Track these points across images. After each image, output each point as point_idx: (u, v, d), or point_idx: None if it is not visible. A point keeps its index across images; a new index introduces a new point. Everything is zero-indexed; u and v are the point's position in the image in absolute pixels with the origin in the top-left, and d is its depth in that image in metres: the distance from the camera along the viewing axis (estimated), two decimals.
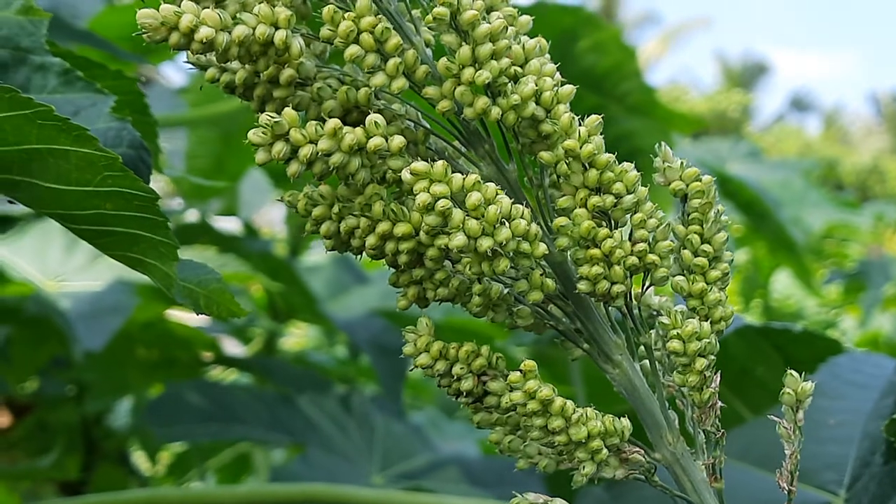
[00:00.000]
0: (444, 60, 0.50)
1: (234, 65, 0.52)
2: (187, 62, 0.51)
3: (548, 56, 0.53)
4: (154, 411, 1.53)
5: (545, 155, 0.51)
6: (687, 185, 0.53)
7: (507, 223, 0.48)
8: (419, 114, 0.53)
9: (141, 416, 1.84)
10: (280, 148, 0.49)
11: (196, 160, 1.91)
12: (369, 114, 0.52)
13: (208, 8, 0.48)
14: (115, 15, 1.80)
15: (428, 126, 0.53)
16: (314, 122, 0.49)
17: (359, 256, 0.52)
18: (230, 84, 0.52)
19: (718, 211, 0.53)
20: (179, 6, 0.48)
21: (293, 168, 0.49)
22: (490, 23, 0.50)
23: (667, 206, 1.63)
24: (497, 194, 0.48)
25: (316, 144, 0.49)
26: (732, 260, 0.53)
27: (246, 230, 2.06)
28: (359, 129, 0.49)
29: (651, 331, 0.53)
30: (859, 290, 3.87)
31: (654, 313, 0.54)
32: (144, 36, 0.48)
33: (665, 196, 0.55)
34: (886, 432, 0.69)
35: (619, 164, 0.51)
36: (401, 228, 0.50)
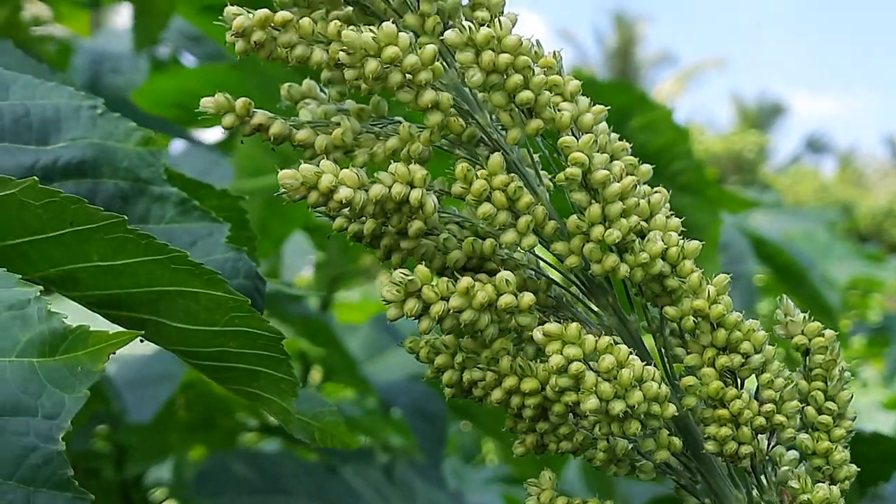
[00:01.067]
0: (574, 218, 0.51)
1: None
2: (317, 213, 0.52)
3: (668, 206, 0.53)
4: (201, 483, 1.53)
5: (670, 310, 0.52)
6: (810, 341, 0.53)
7: (639, 386, 0.48)
8: (539, 261, 0.54)
9: (182, 483, 1.85)
10: (412, 305, 0.49)
11: None
12: (489, 260, 0.52)
13: (348, 170, 0.49)
14: (163, 81, 1.82)
15: (550, 276, 0.53)
16: (446, 280, 0.50)
17: (480, 402, 0.53)
18: (358, 234, 0.53)
19: (842, 368, 0.53)
20: (318, 165, 0.49)
21: (424, 324, 0.50)
22: (619, 180, 0.51)
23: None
24: (629, 356, 0.48)
25: (448, 301, 0.49)
26: (856, 417, 0.53)
27: (288, 295, 2.06)
28: (489, 287, 0.49)
29: (773, 489, 0.53)
30: (884, 344, 3.86)
31: (778, 469, 0.54)
32: (284, 195, 0.49)
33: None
34: None
35: (746, 322, 0.51)
36: (528, 384, 0.50)
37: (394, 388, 1.88)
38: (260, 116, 0.52)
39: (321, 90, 0.55)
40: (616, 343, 0.49)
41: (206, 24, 1.78)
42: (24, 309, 0.42)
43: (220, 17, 0.53)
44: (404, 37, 0.49)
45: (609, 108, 0.54)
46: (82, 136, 0.58)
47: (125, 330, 0.42)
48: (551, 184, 0.54)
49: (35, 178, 0.49)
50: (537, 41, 0.52)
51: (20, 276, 0.45)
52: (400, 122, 0.53)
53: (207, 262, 0.57)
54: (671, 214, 0.53)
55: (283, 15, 0.50)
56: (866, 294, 4.87)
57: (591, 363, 0.48)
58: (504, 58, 0.49)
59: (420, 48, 0.50)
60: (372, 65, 0.49)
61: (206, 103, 0.52)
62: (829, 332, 0.53)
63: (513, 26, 0.51)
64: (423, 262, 0.53)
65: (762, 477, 0.53)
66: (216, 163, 1.95)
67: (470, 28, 0.49)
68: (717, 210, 1.62)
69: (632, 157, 0.54)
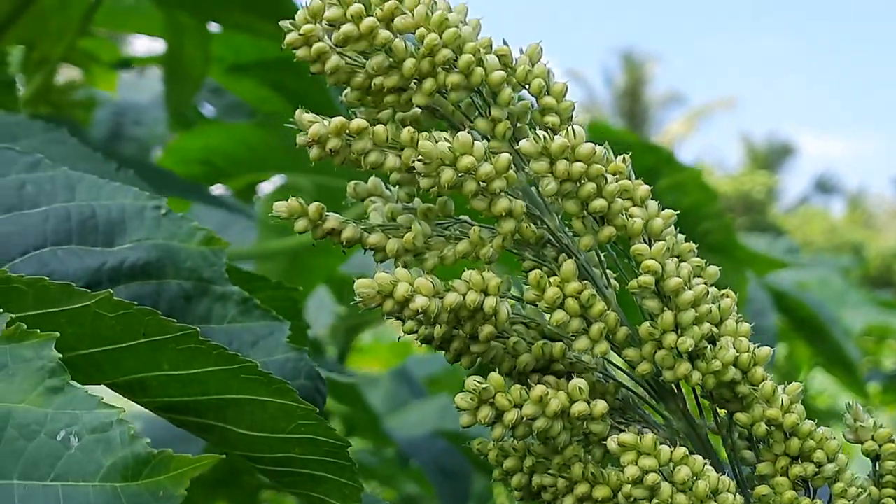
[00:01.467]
0: (646, 326, 0.51)
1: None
2: (387, 317, 0.52)
3: (736, 311, 0.54)
4: None
5: (741, 417, 0.52)
6: (880, 447, 0.53)
7: (714, 498, 0.49)
8: (606, 363, 0.54)
9: None
10: (486, 413, 0.50)
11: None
12: (557, 361, 0.53)
13: (422, 277, 0.49)
14: (189, 140, 1.84)
15: (618, 379, 0.53)
16: (519, 388, 0.50)
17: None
18: (427, 337, 0.53)
19: None
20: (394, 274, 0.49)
21: (497, 432, 0.50)
22: (689, 284, 0.51)
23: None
24: (704, 467, 0.49)
25: (521, 409, 0.50)
26: None
27: (312, 349, 2.06)
28: (563, 395, 0.50)
29: None
30: None
31: None
32: (359, 304, 0.49)
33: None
34: None
35: (818, 430, 0.51)
36: (600, 492, 0.51)
37: (416, 444, 1.90)
38: (332, 221, 0.53)
39: (386, 187, 0.55)
40: (691, 453, 0.49)
41: (231, 82, 1.80)
42: (107, 432, 0.42)
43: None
44: (479, 146, 0.50)
45: (678, 212, 0.54)
46: (147, 237, 0.59)
47: (205, 455, 0.42)
48: (617, 284, 0.54)
49: (110, 291, 0.50)
50: (608, 147, 0.52)
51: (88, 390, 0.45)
52: (466, 222, 0.54)
53: (269, 363, 0.59)
54: (740, 318, 0.53)
55: (358, 123, 0.51)
56: (881, 340, 4.87)
57: (666, 475, 0.48)
58: (578, 167, 0.50)
59: (494, 156, 0.50)
60: (448, 174, 0.49)
61: (280, 207, 0.52)
62: None
63: (584, 132, 0.51)
64: (493, 365, 0.53)
65: None
66: (233, 220, 1.97)
67: (544, 137, 0.50)
68: (744, 270, 1.63)
69: (698, 259, 0.54)
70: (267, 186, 2.19)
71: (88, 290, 0.49)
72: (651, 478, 0.48)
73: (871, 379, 4.32)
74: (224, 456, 0.45)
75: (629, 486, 0.48)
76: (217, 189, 2.01)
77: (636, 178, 0.54)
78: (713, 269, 0.54)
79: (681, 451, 0.48)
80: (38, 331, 0.44)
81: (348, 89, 0.53)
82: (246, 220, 1.94)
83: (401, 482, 2.54)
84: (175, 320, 0.51)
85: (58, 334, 0.44)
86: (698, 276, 0.53)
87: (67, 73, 1.68)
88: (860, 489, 0.52)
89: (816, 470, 0.51)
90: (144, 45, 2.20)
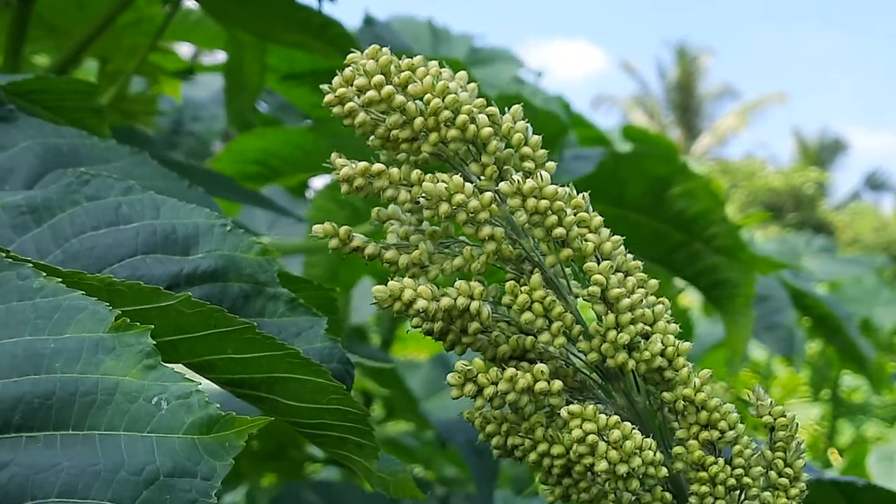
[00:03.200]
0: (594, 324, 0.67)
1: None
2: (397, 315, 0.68)
3: (669, 313, 0.69)
4: None
5: (666, 395, 0.68)
6: (774, 420, 0.69)
7: (639, 453, 0.64)
8: (568, 353, 0.70)
9: None
10: (470, 388, 0.66)
11: (313, 269, 2.07)
12: (530, 351, 0.69)
13: (424, 285, 0.65)
14: (247, 140, 1.99)
15: (576, 366, 0.69)
16: (495, 369, 0.66)
17: (519, 461, 0.69)
18: (429, 330, 0.69)
19: (799, 440, 0.69)
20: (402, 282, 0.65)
21: (478, 403, 0.66)
22: (631, 294, 0.67)
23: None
24: (632, 430, 0.64)
25: (496, 385, 0.65)
26: (809, 479, 0.69)
27: (356, 335, 2.22)
28: (528, 375, 0.66)
29: None
30: None
31: None
32: (376, 303, 0.66)
33: None
34: None
35: (723, 406, 0.67)
36: (556, 450, 0.66)
37: (451, 426, 2.01)
38: (357, 241, 0.69)
39: (402, 213, 0.71)
40: (623, 420, 0.65)
41: (286, 89, 1.95)
42: (188, 398, 0.55)
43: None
44: (469, 186, 0.65)
45: (624, 237, 0.69)
46: (215, 249, 0.73)
47: (259, 417, 0.56)
48: (580, 292, 0.70)
49: (189, 293, 0.64)
50: (572, 186, 0.68)
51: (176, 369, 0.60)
52: (464, 242, 0.69)
53: (309, 350, 0.73)
54: (671, 320, 0.69)
55: (377, 167, 0.67)
56: None
57: (603, 435, 0.64)
58: (543, 203, 0.66)
59: (480, 194, 0.66)
60: (444, 207, 0.65)
61: (317, 230, 0.68)
62: (790, 414, 0.69)
63: (550, 176, 0.67)
64: (479, 353, 0.69)
65: None
66: (277, 219, 2.12)
67: (518, 181, 0.65)
68: (751, 270, 1.76)
69: (643, 274, 0.69)
70: (318, 183, 2.33)
71: (171, 292, 0.64)
72: (591, 438, 0.64)
73: None
74: (272, 419, 0.61)
75: (575, 444, 0.64)
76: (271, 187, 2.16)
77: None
78: (653, 282, 0.70)
79: (614, 418, 0.64)
80: (138, 323, 0.57)
81: (372, 137, 0.69)
82: (288, 220, 2.08)
83: (439, 464, 2.67)
84: (237, 316, 0.65)
85: (152, 326, 0.57)
86: (642, 287, 0.69)
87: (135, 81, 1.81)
88: (753, 451, 0.68)
89: (720, 435, 0.67)
90: (190, 49, 2.33)
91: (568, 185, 0.68)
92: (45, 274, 0.60)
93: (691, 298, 4.18)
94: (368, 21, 1.80)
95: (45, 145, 0.84)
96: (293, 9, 1.44)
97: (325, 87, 0.68)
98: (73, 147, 0.86)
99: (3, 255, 0.61)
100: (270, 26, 1.55)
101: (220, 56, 2.05)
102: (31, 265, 0.61)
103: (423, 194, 0.66)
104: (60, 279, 0.60)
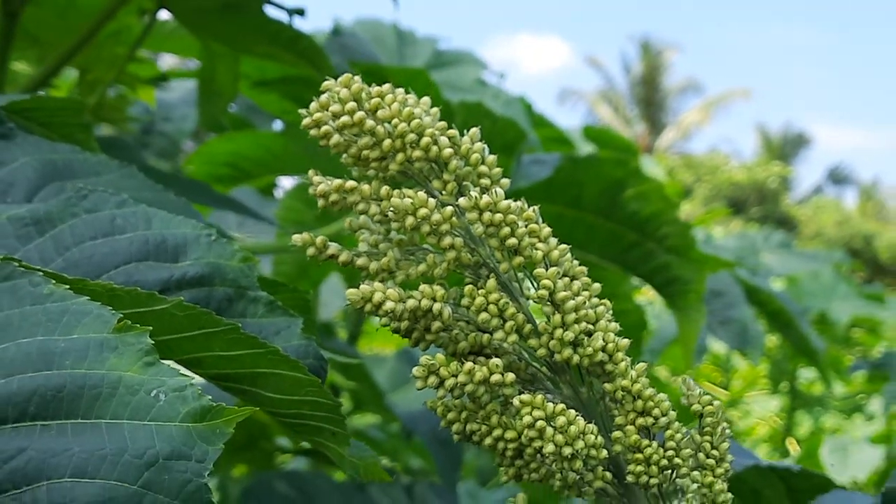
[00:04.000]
0: (542, 323, 0.75)
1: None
2: (367, 314, 0.76)
3: (611, 313, 0.77)
4: (247, 499, 1.77)
5: (607, 386, 0.76)
6: (703, 408, 0.77)
7: (582, 437, 0.73)
8: (522, 349, 0.78)
9: (227, 498, 2.08)
10: (432, 380, 0.73)
11: (282, 266, 2.14)
12: (486, 347, 0.77)
13: (392, 289, 0.73)
14: (219, 144, 2.05)
15: (527, 358, 0.77)
16: (455, 363, 0.74)
17: (477, 445, 0.77)
18: (396, 329, 0.76)
19: (725, 426, 0.77)
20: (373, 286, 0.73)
21: (440, 393, 0.74)
22: (575, 297, 0.75)
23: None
24: (576, 416, 0.73)
25: (457, 378, 0.74)
26: (734, 460, 0.77)
27: (324, 330, 2.29)
28: (485, 368, 0.73)
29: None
30: (884, 379, 4.02)
31: (684, 496, 0.78)
32: (349, 304, 0.73)
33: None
34: None
35: (657, 394, 0.75)
36: (509, 434, 0.75)
37: (416, 417, 2.08)
38: (332, 249, 0.76)
39: (372, 224, 0.79)
40: (568, 408, 0.73)
41: (257, 95, 2.01)
42: (183, 391, 0.61)
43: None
44: (432, 201, 0.73)
45: (571, 245, 0.77)
46: (202, 257, 0.80)
47: (245, 407, 0.61)
48: (533, 293, 0.78)
49: (182, 298, 0.71)
50: (524, 200, 0.76)
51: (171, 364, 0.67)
52: (427, 250, 0.77)
53: (287, 347, 0.79)
54: (612, 320, 0.77)
55: (350, 184, 0.75)
56: (872, 331, 5.05)
57: (550, 422, 0.72)
58: (498, 216, 0.74)
59: (442, 208, 0.74)
60: (410, 220, 0.73)
61: (296, 239, 0.76)
62: (716, 403, 0.77)
63: (504, 193, 0.75)
64: (442, 348, 0.77)
65: (672, 500, 0.77)
66: (245, 219, 2.18)
67: (475, 196, 0.73)
68: (702, 268, 1.84)
69: (587, 279, 0.77)
70: (286, 182, 2.39)
71: (164, 297, 0.72)
72: (539, 424, 0.72)
73: (857, 368, 4.49)
74: (256, 409, 0.68)
75: (526, 429, 0.72)
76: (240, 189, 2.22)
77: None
78: (597, 286, 0.77)
79: (560, 406, 0.72)
80: (137, 325, 0.64)
81: (345, 155, 0.77)
82: (256, 222, 2.14)
83: (405, 456, 2.74)
84: (222, 318, 0.72)
85: (151, 327, 0.63)
86: (586, 290, 0.77)
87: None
88: (684, 435, 0.76)
89: (654, 421, 0.75)
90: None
91: (521, 200, 0.76)
92: (53, 281, 0.67)
93: (653, 294, 4.26)
94: (336, 31, 1.87)
95: (42, 160, 0.91)
96: (264, 22, 1.51)
97: (302, 111, 0.76)
98: (68, 162, 0.93)
99: (16, 264, 0.69)
100: (243, 38, 1.60)
101: (193, 63, 2.11)
102: (41, 273, 0.68)
103: (392, 208, 0.74)
104: (68, 286, 0.67)
